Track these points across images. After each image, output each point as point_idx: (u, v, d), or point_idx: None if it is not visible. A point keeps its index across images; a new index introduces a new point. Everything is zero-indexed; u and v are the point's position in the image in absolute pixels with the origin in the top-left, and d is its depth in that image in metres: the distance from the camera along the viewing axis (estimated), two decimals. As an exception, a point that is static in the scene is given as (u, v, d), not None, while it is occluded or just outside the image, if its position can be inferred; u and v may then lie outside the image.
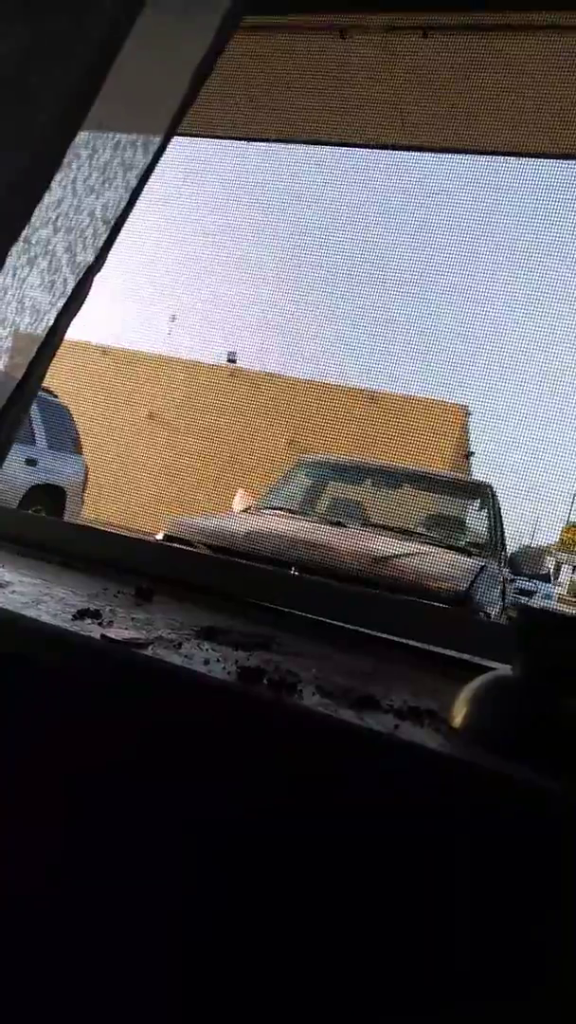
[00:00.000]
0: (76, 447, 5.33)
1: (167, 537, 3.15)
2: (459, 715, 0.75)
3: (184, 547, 2.69)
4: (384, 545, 2.99)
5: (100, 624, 0.90)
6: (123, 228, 0.67)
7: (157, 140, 0.68)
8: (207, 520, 3.38)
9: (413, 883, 0.70)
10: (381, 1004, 0.72)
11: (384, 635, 1.14)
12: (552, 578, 3.51)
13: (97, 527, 1.50)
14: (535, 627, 0.76)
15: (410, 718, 0.75)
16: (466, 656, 1.05)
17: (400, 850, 0.70)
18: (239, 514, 3.81)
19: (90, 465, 5.33)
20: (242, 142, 2.15)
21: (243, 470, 4.51)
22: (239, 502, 3.97)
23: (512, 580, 3.32)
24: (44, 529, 1.40)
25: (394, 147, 2.07)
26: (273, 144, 2.19)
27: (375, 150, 2.18)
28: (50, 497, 5.22)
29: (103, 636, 0.84)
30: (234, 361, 4.65)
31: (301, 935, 0.74)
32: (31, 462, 5.02)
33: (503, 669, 0.82)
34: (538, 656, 0.75)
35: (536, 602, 3.41)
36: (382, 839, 0.70)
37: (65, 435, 5.21)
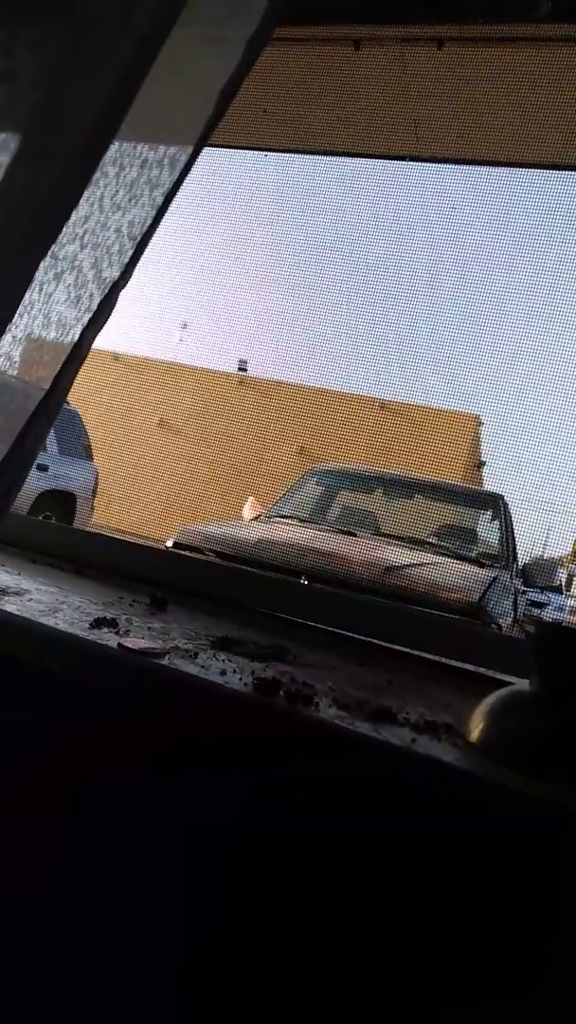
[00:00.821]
0: (87, 453, 5.35)
1: (176, 544, 3.15)
2: (476, 729, 0.75)
3: (196, 555, 2.70)
4: (395, 555, 2.98)
5: (117, 633, 0.90)
6: (148, 245, 0.68)
7: (183, 158, 0.68)
8: (216, 528, 3.39)
9: (430, 898, 0.70)
10: (383, 1009, 0.72)
11: (397, 647, 1.13)
12: (564, 590, 3.49)
13: (111, 535, 1.51)
14: (553, 642, 0.76)
15: (427, 732, 0.75)
16: (480, 669, 1.05)
17: (418, 864, 0.70)
18: (249, 522, 3.81)
19: (100, 471, 5.35)
20: (256, 152, 2.16)
21: (253, 478, 4.52)
22: (249, 510, 3.97)
23: (524, 592, 3.30)
24: (58, 536, 1.41)
25: (408, 158, 2.08)
26: (287, 154, 2.20)
27: (389, 161, 2.19)
28: (60, 503, 5.24)
29: (120, 645, 0.85)
30: (245, 369, 4.67)
31: (314, 945, 0.74)
32: (42, 468, 5.04)
33: (520, 684, 0.82)
34: (556, 671, 0.74)
35: (548, 614, 3.40)
36: (400, 852, 0.70)
37: (76, 441, 5.23)
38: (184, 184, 0.77)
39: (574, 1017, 0.66)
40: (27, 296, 0.64)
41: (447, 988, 0.70)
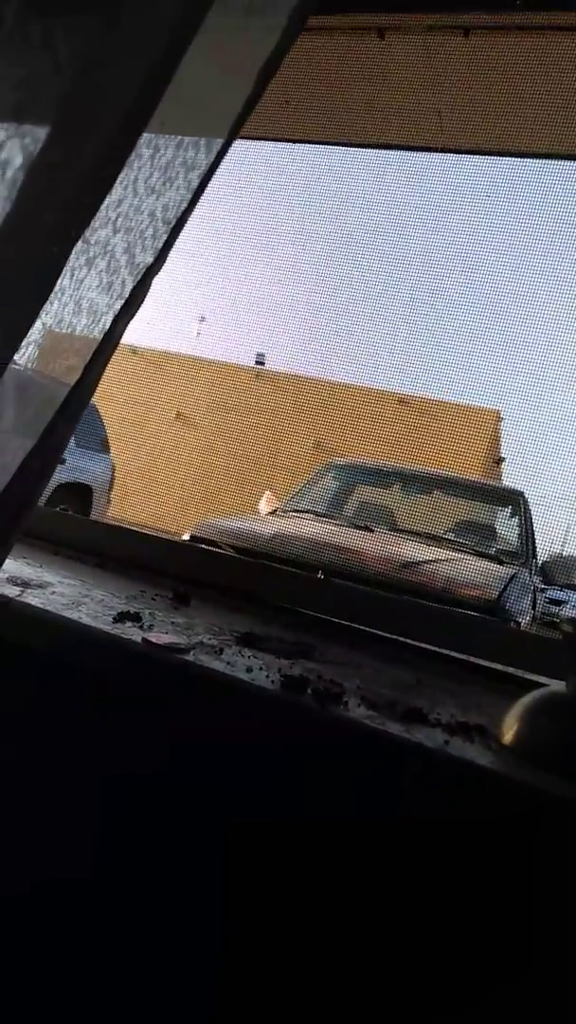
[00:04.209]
0: (104, 446, 5.35)
1: (193, 538, 3.14)
2: (509, 732, 0.73)
3: (215, 550, 2.68)
4: (413, 551, 2.96)
5: (141, 628, 0.89)
6: (183, 229, 0.67)
7: (219, 141, 0.67)
8: (233, 521, 3.37)
9: (466, 903, 0.68)
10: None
11: (422, 644, 1.11)
12: (584, 588, 3.46)
13: (133, 528, 1.50)
14: (590, 643, 0.74)
15: (459, 733, 0.73)
16: (510, 669, 1.03)
17: (451, 868, 0.68)
18: (265, 516, 3.80)
19: (117, 464, 5.36)
20: (278, 143, 2.14)
21: (269, 472, 4.51)
22: (265, 504, 3.96)
23: (543, 589, 3.27)
24: (80, 529, 1.40)
25: (434, 149, 2.05)
26: (309, 146, 2.18)
27: (414, 152, 2.16)
28: (77, 496, 5.25)
29: (145, 640, 0.84)
30: (263, 363, 4.65)
31: (343, 948, 0.73)
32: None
33: (555, 684, 0.80)
34: (593, 673, 0.72)
35: (567, 612, 3.36)
36: (432, 856, 0.69)
37: (93, 434, 5.23)
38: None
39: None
40: (58, 282, 0.63)
41: (476, 988, 0.69)
